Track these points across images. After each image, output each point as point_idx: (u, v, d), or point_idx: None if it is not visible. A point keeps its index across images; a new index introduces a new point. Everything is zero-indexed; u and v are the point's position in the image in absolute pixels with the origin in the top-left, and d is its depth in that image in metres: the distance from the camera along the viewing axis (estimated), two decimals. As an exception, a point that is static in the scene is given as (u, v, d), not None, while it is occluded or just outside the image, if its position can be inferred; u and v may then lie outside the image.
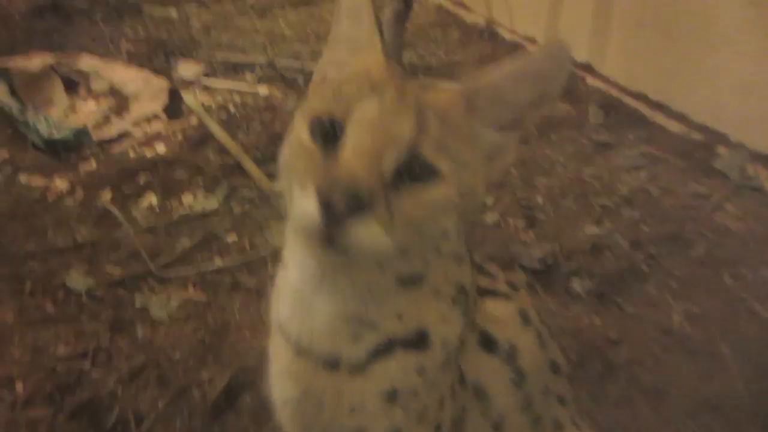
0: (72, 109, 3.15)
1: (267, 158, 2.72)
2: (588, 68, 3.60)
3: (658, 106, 3.19)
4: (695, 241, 2.32)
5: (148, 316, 1.94)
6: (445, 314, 0.87)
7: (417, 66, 3.93)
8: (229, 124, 3.07)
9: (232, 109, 3.28)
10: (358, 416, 0.85)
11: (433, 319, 0.86)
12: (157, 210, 2.45)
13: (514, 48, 4.11)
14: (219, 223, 2.38)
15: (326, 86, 0.86)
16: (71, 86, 3.26)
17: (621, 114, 3.26)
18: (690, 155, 2.86)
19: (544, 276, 2.14)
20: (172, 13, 4.76)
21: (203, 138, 2.94)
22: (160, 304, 1.97)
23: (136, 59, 3.76)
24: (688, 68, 3.04)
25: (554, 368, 1.05)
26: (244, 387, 1.70)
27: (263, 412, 1.53)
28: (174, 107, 3.15)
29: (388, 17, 3.40)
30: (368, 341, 0.84)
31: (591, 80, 3.52)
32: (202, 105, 3.27)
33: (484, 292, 0.98)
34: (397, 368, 0.84)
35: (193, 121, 3.12)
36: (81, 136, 2.81)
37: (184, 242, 2.25)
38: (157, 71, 3.48)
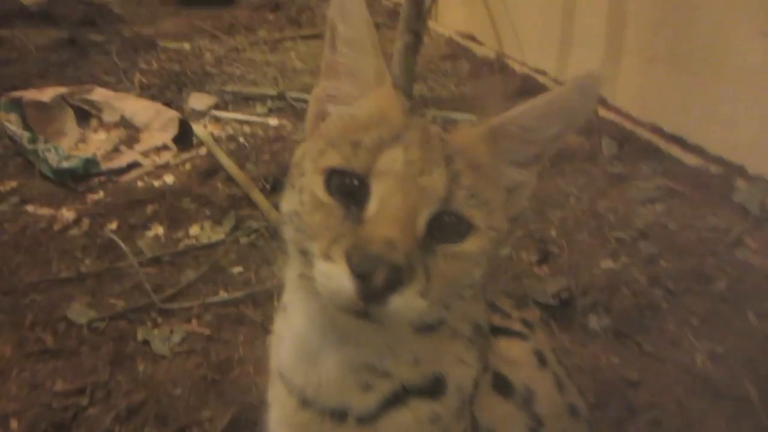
0: (83, 139, 3.17)
1: (276, 189, 2.69)
2: (600, 100, 3.57)
3: (673, 139, 3.14)
4: (715, 277, 2.23)
5: (150, 350, 1.88)
6: (461, 355, 0.82)
7: (427, 98, 3.93)
8: (239, 155, 3.06)
9: (241, 139, 3.29)
10: (366, 469, 0.78)
11: (450, 362, 0.80)
12: (163, 241, 2.42)
13: (524, 80, 4.10)
14: (225, 254, 2.34)
15: (335, 130, 0.78)
16: (83, 117, 3.28)
17: (635, 146, 3.21)
18: (707, 188, 2.79)
19: (558, 312, 2.06)
20: (186, 46, 4.83)
21: (212, 169, 2.93)
22: (162, 338, 1.92)
23: (148, 91, 3.80)
24: (703, 100, 3.00)
25: (573, 413, 0.99)
26: (245, 428, 1.63)
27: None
28: (184, 138, 3.15)
29: (399, 49, 3.43)
30: (380, 390, 0.77)
31: (603, 112, 3.48)
32: (212, 135, 3.27)
33: (498, 331, 0.92)
34: (411, 418, 0.77)
35: (203, 151, 3.12)
36: (90, 165, 2.81)
37: (189, 274, 2.21)
38: (168, 103, 3.50)
